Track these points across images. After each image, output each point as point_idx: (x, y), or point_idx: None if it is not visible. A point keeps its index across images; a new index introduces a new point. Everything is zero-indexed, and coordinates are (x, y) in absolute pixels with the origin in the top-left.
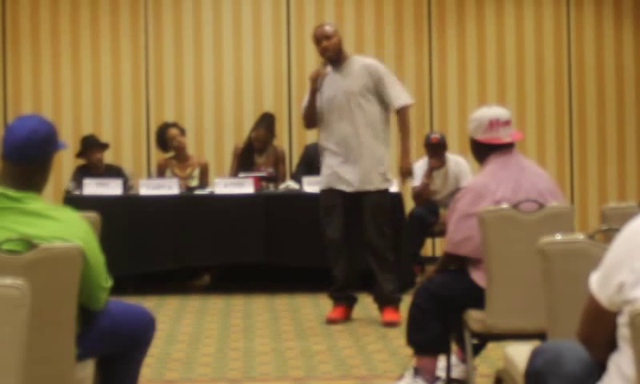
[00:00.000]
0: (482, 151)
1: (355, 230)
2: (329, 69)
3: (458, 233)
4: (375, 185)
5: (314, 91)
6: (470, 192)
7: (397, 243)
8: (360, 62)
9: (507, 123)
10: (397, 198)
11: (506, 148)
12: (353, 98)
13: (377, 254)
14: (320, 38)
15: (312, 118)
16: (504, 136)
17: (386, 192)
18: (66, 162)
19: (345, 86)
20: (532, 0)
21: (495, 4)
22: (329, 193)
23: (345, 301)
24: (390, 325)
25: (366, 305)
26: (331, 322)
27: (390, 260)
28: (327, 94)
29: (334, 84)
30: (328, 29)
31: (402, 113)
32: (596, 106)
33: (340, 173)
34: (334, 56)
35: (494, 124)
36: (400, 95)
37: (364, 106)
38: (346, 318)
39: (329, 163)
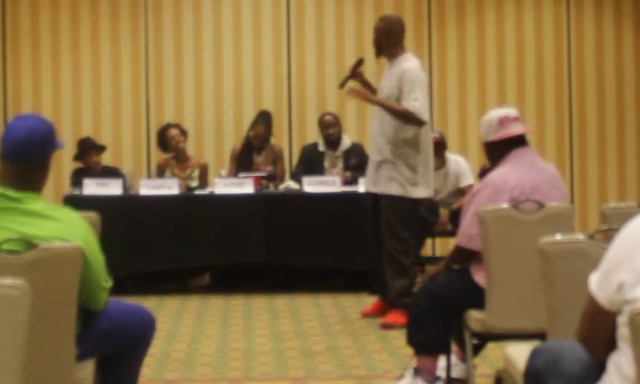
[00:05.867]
0: (498, 151)
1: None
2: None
3: (472, 227)
4: (383, 188)
5: (363, 82)
6: (489, 187)
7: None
8: (400, 64)
9: (516, 119)
10: None
11: (523, 145)
12: (382, 97)
13: (388, 255)
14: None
15: None
16: (515, 130)
17: (397, 198)
18: (65, 164)
19: (382, 85)
20: (532, 0)
21: (495, 4)
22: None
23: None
24: (386, 327)
25: (365, 305)
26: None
27: (403, 263)
28: (379, 87)
29: (383, 79)
30: (376, 24)
31: (406, 108)
32: (596, 106)
33: (368, 171)
34: (376, 53)
35: (503, 121)
36: (409, 101)
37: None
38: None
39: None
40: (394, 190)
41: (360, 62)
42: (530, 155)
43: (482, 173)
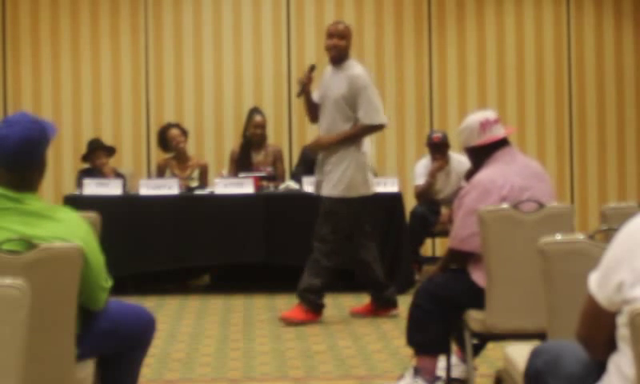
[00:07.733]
0: (482, 154)
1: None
2: (322, 73)
3: (464, 229)
4: (325, 191)
5: (305, 93)
6: (477, 188)
7: (398, 243)
8: (349, 69)
9: (497, 121)
10: (396, 198)
11: (504, 144)
12: (330, 103)
13: (312, 252)
14: (332, 34)
15: (309, 114)
16: (498, 133)
17: (335, 200)
18: (65, 164)
19: (331, 89)
20: (532, 0)
21: (495, 4)
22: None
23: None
24: (285, 320)
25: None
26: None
27: (322, 264)
28: (322, 93)
29: (328, 84)
30: (341, 28)
31: (362, 125)
32: (596, 106)
33: (316, 172)
34: (336, 56)
35: (485, 125)
36: (368, 114)
37: (334, 114)
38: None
39: None
40: (336, 192)
41: (312, 68)
42: (513, 153)
43: (468, 176)
